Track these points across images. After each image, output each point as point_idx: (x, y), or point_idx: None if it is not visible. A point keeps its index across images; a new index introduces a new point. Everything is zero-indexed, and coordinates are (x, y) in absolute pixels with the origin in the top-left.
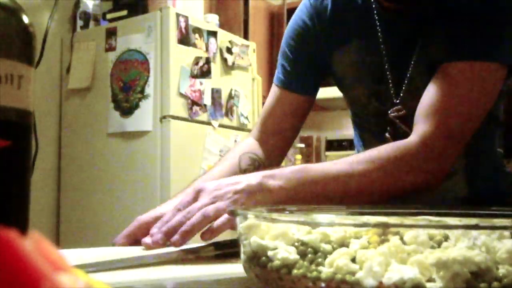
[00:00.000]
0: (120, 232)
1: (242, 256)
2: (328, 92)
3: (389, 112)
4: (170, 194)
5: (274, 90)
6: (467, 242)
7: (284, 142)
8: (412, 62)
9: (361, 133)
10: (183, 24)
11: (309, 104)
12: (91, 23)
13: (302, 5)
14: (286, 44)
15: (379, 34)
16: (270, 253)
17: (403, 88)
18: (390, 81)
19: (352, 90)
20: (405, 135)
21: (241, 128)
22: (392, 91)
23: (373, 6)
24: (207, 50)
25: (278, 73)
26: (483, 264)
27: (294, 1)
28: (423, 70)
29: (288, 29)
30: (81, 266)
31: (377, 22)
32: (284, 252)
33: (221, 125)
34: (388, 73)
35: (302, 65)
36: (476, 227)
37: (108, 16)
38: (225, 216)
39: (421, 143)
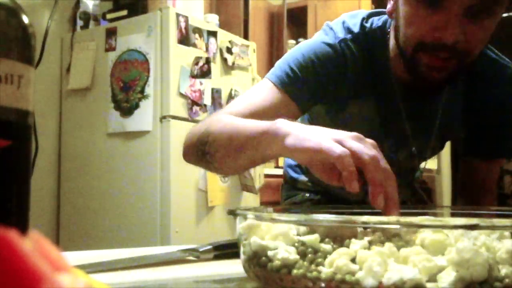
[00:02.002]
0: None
1: (242, 256)
2: None
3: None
4: (170, 194)
5: (271, 89)
6: (467, 242)
7: None
8: (433, 135)
9: None
10: (183, 24)
11: (296, 119)
12: (91, 23)
13: (335, 37)
14: (306, 54)
15: (398, 98)
16: (270, 253)
17: (424, 154)
18: (412, 148)
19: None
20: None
21: None
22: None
23: (391, 73)
24: (207, 50)
25: (280, 73)
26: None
27: (294, 1)
28: (439, 140)
29: (315, 44)
30: (81, 267)
31: (394, 87)
32: (284, 252)
33: None
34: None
35: (314, 84)
36: (476, 227)
37: (108, 16)
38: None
39: None
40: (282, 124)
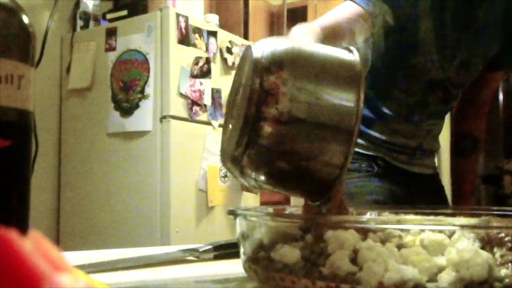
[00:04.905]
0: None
1: (242, 256)
2: None
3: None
4: (170, 194)
5: (354, 8)
6: (466, 242)
7: None
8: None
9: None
10: (183, 24)
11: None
12: (91, 23)
13: None
14: None
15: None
16: (270, 253)
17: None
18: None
19: (421, 55)
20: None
21: None
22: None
23: None
24: (207, 50)
25: None
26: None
27: (294, 1)
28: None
29: None
30: (82, 266)
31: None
32: (284, 252)
33: (221, 125)
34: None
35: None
36: (476, 227)
37: (108, 16)
38: None
39: None
40: None
